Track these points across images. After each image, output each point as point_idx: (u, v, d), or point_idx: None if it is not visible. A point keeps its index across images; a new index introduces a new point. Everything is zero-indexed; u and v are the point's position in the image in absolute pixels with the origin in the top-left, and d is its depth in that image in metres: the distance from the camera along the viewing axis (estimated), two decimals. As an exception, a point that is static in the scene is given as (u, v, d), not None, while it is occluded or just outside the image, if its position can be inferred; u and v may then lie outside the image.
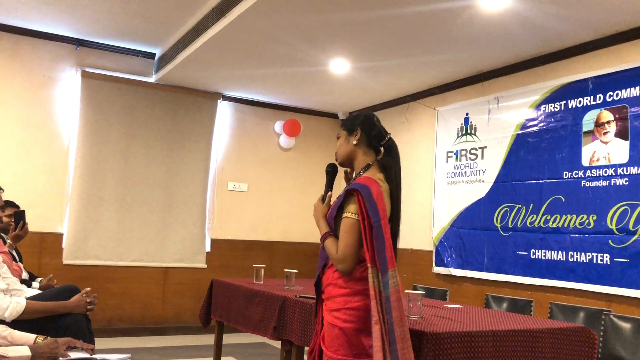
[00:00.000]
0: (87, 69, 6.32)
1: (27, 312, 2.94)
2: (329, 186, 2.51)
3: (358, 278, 2.29)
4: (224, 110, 7.22)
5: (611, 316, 3.59)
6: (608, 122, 4.48)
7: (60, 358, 2.39)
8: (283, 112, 7.56)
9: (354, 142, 2.44)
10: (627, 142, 4.32)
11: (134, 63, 6.58)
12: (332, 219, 2.36)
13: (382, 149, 2.47)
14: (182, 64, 5.85)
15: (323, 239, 2.37)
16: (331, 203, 2.45)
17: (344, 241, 2.27)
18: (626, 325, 3.49)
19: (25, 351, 2.28)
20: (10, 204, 4.34)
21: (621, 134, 4.38)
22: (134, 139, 6.54)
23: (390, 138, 2.50)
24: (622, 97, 4.39)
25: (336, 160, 2.53)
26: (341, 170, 2.58)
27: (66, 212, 6.17)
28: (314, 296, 2.57)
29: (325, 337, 2.33)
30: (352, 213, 2.27)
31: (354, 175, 2.48)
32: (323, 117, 7.77)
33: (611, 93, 4.48)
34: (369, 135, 2.45)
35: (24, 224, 4.16)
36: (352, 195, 2.29)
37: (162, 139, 6.70)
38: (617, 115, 4.42)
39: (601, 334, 3.56)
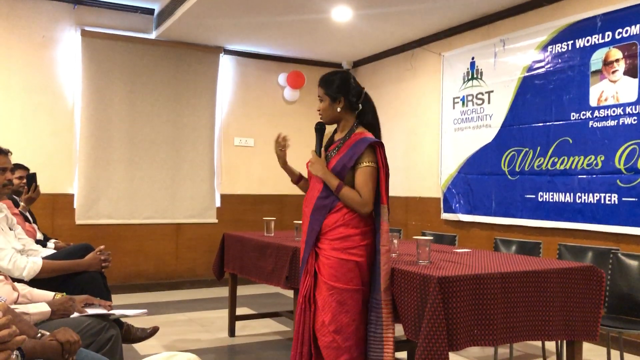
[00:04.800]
0: (87, 28, 6.24)
1: (44, 271, 3.01)
2: (320, 143, 2.81)
3: (368, 219, 2.70)
4: (227, 65, 7.15)
5: (619, 254, 3.62)
6: (617, 60, 4.40)
7: (77, 313, 2.45)
8: (286, 64, 7.48)
9: (338, 109, 2.76)
10: (636, 80, 4.26)
11: (134, 20, 6.49)
12: (346, 170, 2.67)
13: (360, 104, 2.79)
14: (182, 19, 5.76)
15: (339, 189, 2.66)
16: (328, 157, 2.75)
17: (367, 186, 2.65)
18: (634, 263, 3.52)
19: (45, 307, 2.34)
20: (19, 166, 4.38)
21: (630, 72, 4.31)
22: (138, 96, 6.51)
23: (366, 93, 2.82)
24: (631, 34, 4.30)
25: (321, 118, 2.82)
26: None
27: (75, 173, 6.23)
28: None
29: (334, 272, 2.64)
30: (371, 162, 2.66)
31: (343, 133, 2.79)
32: (327, 67, 7.66)
33: (620, 30, 4.38)
34: (349, 100, 2.76)
35: (36, 186, 4.21)
36: (372, 147, 2.66)
37: (166, 96, 6.68)
38: (626, 53, 4.34)
39: (609, 272, 3.60)
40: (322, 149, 2.78)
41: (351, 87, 2.76)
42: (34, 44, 6.03)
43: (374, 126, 2.78)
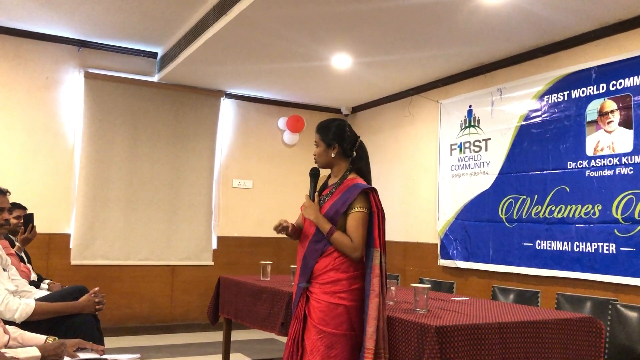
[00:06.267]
0: (90, 70, 6.34)
1: (36, 313, 2.96)
2: (314, 187, 2.88)
3: (358, 263, 2.72)
4: (227, 108, 7.23)
5: (618, 305, 3.59)
6: (612, 111, 4.46)
7: (69, 358, 2.41)
8: (286, 109, 7.57)
9: (332, 155, 2.85)
10: (631, 131, 4.31)
11: (137, 63, 6.60)
12: (338, 215, 2.72)
13: (354, 152, 2.87)
14: (185, 63, 5.86)
15: (330, 233, 2.70)
16: (321, 202, 2.83)
17: (358, 232, 2.68)
18: (633, 315, 3.49)
19: (35, 352, 2.30)
20: (17, 205, 4.37)
21: (625, 123, 4.37)
22: (138, 138, 6.56)
23: (361, 141, 2.90)
24: (625, 86, 4.38)
25: (316, 163, 2.92)
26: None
27: (73, 213, 6.21)
28: None
29: (324, 317, 2.65)
30: (363, 208, 2.71)
31: (337, 178, 2.86)
32: (326, 112, 7.76)
33: (614, 82, 4.46)
34: (343, 147, 2.85)
35: (33, 226, 4.20)
36: (365, 193, 2.72)
37: (167, 138, 6.73)
38: (620, 105, 4.41)
39: (608, 323, 3.56)
40: (316, 193, 2.85)
41: (346, 135, 2.85)
42: (38, 85, 6.11)
43: (366, 173, 2.87)
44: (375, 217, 2.70)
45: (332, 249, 2.71)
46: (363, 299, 2.67)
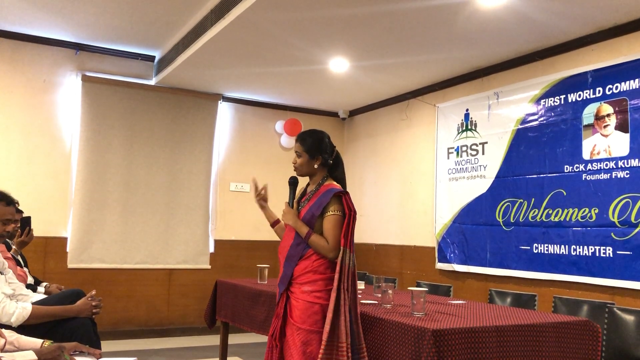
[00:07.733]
0: (87, 73, 6.34)
1: (33, 317, 2.96)
2: (293, 195, 3.07)
3: (335, 266, 2.82)
4: (225, 111, 7.23)
5: (614, 309, 3.59)
6: (608, 115, 4.48)
7: (66, 362, 2.40)
8: (283, 112, 7.58)
9: (315, 166, 3.00)
10: (627, 135, 4.33)
11: (134, 66, 6.60)
12: (314, 218, 2.89)
13: (331, 161, 3.04)
14: (182, 66, 5.86)
15: (308, 236, 2.87)
16: (299, 208, 3.00)
17: (333, 233, 2.84)
18: (630, 318, 3.50)
19: (31, 355, 2.29)
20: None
21: (621, 127, 4.38)
22: (136, 141, 6.56)
23: (337, 151, 3.09)
24: (621, 90, 4.40)
25: (295, 171, 3.07)
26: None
27: (70, 216, 6.20)
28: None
29: (301, 315, 2.81)
30: (337, 211, 2.86)
31: (314, 185, 3.03)
32: (324, 116, 7.78)
33: (610, 86, 4.48)
34: (324, 158, 3.01)
35: (30, 230, 4.18)
36: (338, 197, 2.88)
37: (164, 141, 6.72)
38: (616, 108, 4.42)
39: (605, 327, 3.57)
40: (295, 200, 3.04)
41: (327, 147, 3.03)
42: (35, 88, 6.10)
43: (341, 180, 3.04)
44: (346, 218, 2.84)
45: (310, 252, 2.88)
46: None
